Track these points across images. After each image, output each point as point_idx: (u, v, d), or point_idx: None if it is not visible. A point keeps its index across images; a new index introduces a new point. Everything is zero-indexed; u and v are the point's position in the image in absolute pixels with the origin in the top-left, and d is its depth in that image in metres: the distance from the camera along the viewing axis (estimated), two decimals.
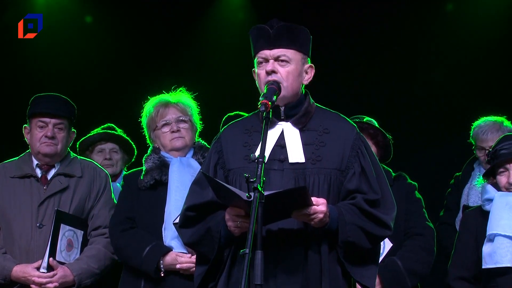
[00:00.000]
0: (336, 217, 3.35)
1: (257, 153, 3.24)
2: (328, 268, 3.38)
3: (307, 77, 3.55)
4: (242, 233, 3.33)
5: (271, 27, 3.45)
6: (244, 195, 3.17)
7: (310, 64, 3.55)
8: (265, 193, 3.18)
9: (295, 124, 3.51)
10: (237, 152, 3.51)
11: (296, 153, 3.44)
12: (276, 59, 3.46)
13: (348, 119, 3.62)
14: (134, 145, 5.56)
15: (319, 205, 3.30)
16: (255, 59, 3.53)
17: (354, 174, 3.46)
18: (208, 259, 3.48)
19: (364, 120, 4.76)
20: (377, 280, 4.45)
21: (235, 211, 3.32)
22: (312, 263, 3.37)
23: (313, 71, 3.57)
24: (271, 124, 3.46)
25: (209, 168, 3.55)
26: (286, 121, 3.51)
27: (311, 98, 3.59)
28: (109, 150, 5.47)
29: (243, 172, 3.34)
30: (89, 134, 5.51)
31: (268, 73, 3.44)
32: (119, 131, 5.61)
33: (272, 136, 3.47)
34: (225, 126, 3.69)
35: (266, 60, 3.47)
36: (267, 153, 3.38)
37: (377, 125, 4.80)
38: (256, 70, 3.52)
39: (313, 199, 3.29)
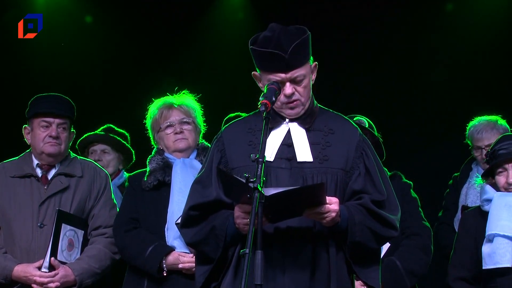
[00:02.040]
0: (346, 217, 3.37)
1: (267, 151, 3.26)
2: (336, 268, 3.39)
3: (313, 76, 3.57)
4: None
5: (284, 51, 3.38)
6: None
7: (314, 63, 3.55)
8: (283, 189, 3.19)
9: (301, 124, 3.52)
10: (241, 151, 3.51)
11: (304, 152, 3.46)
12: (293, 80, 3.45)
13: (350, 120, 3.64)
14: (128, 144, 5.57)
15: (332, 203, 3.31)
16: (261, 71, 3.49)
17: (359, 175, 3.48)
18: (210, 258, 3.47)
19: (355, 119, 4.76)
20: None
21: (246, 208, 3.30)
22: (320, 262, 3.38)
23: (317, 67, 3.57)
24: (277, 124, 3.49)
25: (211, 167, 3.54)
26: (292, 121, 3.52)
27: (314, 100, 3.60)
28: (100, 151, 5.50)
29: (248, 171, 3.34)
30: (84, 136, 5.54)
31: (287, 96, 3.44)
32: (121, 132, 5.62)
33: (278, 135, 3.49)
34: (226, 125, 3.69)
35: (281, 82, 3.45)
36: (273, 152, 3.42)
37: (369, 123, 4.79)
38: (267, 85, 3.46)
39: (326, 197, 3.29)
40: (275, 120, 3.49)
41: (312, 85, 3.56)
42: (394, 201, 3.53)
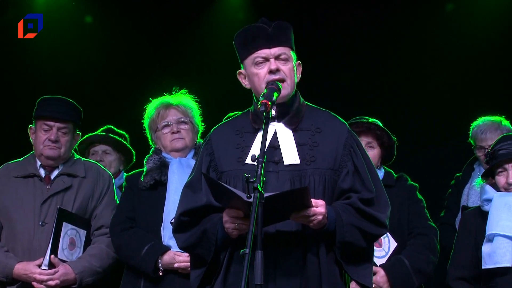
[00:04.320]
0: (334, 218, 3.35)
1: (253, 153, 3.24)
2: (327, 269, 3.38)
3: (298, 75, 3.55)
4: (240, 235, 3.33)
5: (268, 25, 3.43)
6: (244, 195, 3.16)
7: (297, 61, 3.55)
8: (265, 194, 3.16)
9: (287, 124, 3.50)
10: (230, 154, 3.50)
11: (290, 155, 3.44)
12: (277, 57, 3.44)
13: (338, 117, 3.61)
14: (128, 145, 5.56)
15: (318, 206, 3.29)
16: (245, 60, 3.49)
17: (347, 173, 3.46)
18: (204, 261, 3.47)
19: (370, 120, 4.77)
20: (385, 278, 4.48)
21: (234, 213, 3.30)
22: (311, 264, 3.37)
23: (301, 66, 3.56)
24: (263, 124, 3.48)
25: (201, 171, 3.52)
26: (278, 121, 3.49)
27: (301, 97, 3.58)
28: (102, 152, 5.50)
29: (237, 175, 3.38)
30: (85, 137, 5.53)
31: (273, 71, 3.43)
32: (121, 133, 5.62)
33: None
34: (214, 128, 3.68)
35: (266, 59, 3.45)
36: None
37: (382, 126, 4.80)
38: (253, 71, 3.47)
39: (312, 200, 3.28)
40: (261, 120, 3.45)
41: (297, 85, 3.54)
42: (384, 198, 3.50)
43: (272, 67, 3.43)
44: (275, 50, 3.44)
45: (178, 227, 3.51)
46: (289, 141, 3.46)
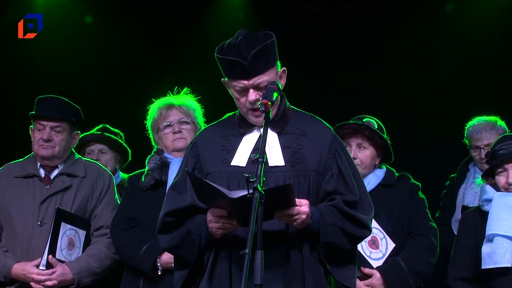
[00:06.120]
0: (318, 218, 3.37)
1: (239, 156, 3.27)
2: (310, 267, 3.39)
3: (282, 82, 3.53)
4: (223, 235, 3.35)
5: (243, 58, 3.37)
6: (228, 192, 3.17)
7: (281, 68, 3.53)
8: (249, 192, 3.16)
9: (272, 127, 3.50)
10: (215, 156, 3.52)
11: (275, 157, 3.45)
12: (256, 86, 3.43)
13: (324, 121, 3.62)
14: (124, 144, 5.57)
15: (302, 205, 3.30)
16: (227, 79, 3.50)
17: (332, 176, 3.48)
18: (187, 262, 3.47)
19: (364, 120, 4.76)
20: (381, 281, 4.47)
21: (218, 212, 3.30)
22: (295, 262, 3.39)
23: (285, 73, 3.55)
24: (248, 129, 3.50)
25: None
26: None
27: (287, 101, 3.59)
28: (97, 151, 5.51)
29: (221, 176, 3.40)
30: (80, 136, 5.53)
31: (252, 103, 3.43)
32: (115, 131, 5.62)
33: (250, 141, 3.49)
34: (200, 131, 3.69)
35: (245, 89, 3.45)
36: (246, 158, 3.43)
37: (379, 124, 4.78)
38: (234, 94, 3.48)
39: (296, 200, 3.29)
40: (246, 125, 3.50)
41: (283, 89, 3.52)
42: (367, 201, 3.52)
43: (250, 99, 3.43)
44: (254, 80, 3.42)
45: (163, 228, 3.51)
46: (274, 143, 3.48)
